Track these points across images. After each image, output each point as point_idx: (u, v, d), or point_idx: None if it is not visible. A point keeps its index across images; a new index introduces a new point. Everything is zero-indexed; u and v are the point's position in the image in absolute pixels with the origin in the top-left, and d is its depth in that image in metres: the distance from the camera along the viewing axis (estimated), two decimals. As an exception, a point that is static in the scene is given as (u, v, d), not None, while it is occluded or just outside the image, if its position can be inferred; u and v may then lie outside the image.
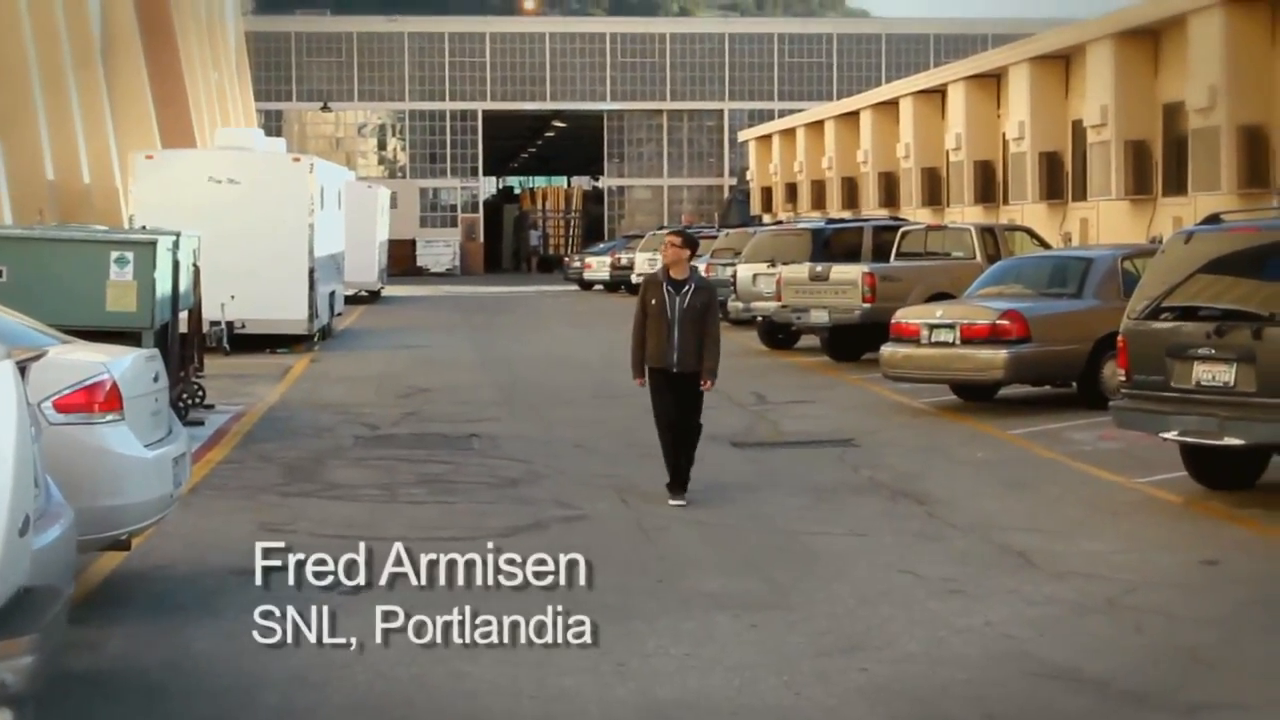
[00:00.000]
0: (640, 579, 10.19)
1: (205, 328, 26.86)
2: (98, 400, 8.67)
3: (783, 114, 65.67)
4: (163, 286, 15.80)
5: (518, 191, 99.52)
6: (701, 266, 39.07)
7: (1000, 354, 18.24)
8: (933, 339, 18.89)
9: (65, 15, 31.99)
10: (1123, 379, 13.11)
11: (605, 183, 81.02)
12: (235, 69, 59.18)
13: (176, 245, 16.89)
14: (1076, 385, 18.82)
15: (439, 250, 75.17)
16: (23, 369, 7.25)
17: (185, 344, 18.94)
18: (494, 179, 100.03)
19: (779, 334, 28.16)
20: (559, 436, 17.24)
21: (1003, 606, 9.45)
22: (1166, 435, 12.72)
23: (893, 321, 19.74)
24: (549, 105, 77.86)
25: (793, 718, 7.31)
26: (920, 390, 20.24)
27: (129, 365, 9.19)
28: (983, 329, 18.51)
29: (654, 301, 12.90)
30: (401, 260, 67.66)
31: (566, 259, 66.25)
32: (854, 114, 47.85)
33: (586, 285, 55.41)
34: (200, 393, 19.19)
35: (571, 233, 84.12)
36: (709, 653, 8.41)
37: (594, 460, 15.50)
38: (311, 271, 28.27)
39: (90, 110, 32.79)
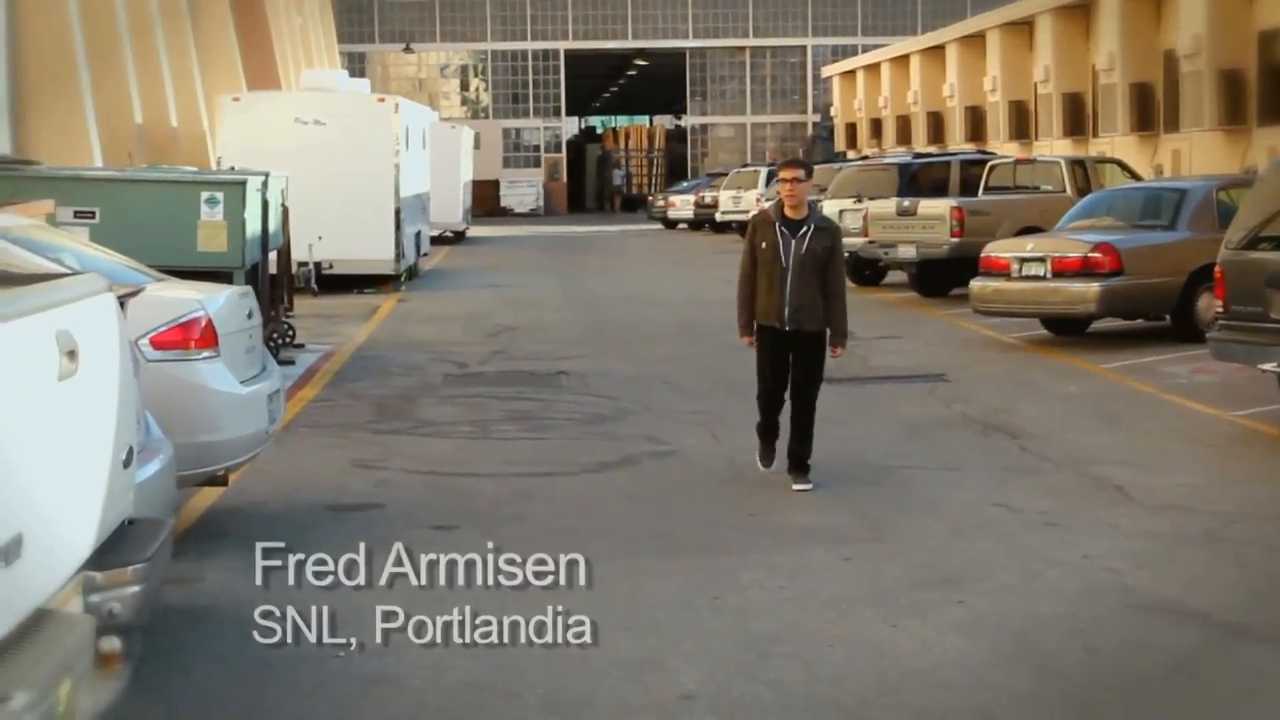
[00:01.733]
0: (731, 513, 10.17)
1: (294, 268, 27.18)
2: (194, 337, 8.72)
3: (866, 49, 64.97)
4: (252, 226, 15.87)
5: (600, 131, 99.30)
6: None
7: (1093, 287, 18.01)
8: (1023, 273, 18.69)
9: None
10: (1220, 310, 12.92)
11: (688, 121, 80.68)
12: (319, 12, 59.30)
13: (265, 185, 16.97)
14: (1170, 318, 18.57)
15: (523, 190, 75.15)
16: (121, 305, 7.30)
17: (275, 284, 19.03)
18: (576, 119, 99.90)
19: (865, 270, 27.91)
20: (647, 373, 17.21)
21: (1100, 539, 9.34)
22: (1265, 366, 12.53)
23: (983, 255, 19.54)
24: (631, 44, 77.52)
25: (891, 650, 7.26)
26: (1010, 325, 20.06)
27: (223, 302, 9.23)
28: (1074, 262, 18.28)
29: (765, 245, 10.70)
30: (486, 200, 67.74)
31: (650, 198, 66.10)
32: (939, 48, 47.30)
33: (670, 224, 55.28)
34: (291, 332, 19.33)
35: (655, 172, 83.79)
36: (803, 586, 8.37)
37: (682, 397, 15.46)
38: (398, 212, 28.34)
39: (177, 55, 32.95)
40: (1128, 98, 33.44)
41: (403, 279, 29.33)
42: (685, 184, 61.11)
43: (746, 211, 42.28)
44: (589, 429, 13.66)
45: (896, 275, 27.64)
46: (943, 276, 25.08)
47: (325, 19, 61.26)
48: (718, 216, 48.04)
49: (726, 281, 23.55)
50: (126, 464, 5.11)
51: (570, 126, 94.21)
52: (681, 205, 54.32)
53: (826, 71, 65.89)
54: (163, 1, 32.42)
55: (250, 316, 9.54)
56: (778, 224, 10.70)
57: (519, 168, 76.97)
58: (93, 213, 15.32)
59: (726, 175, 50.72)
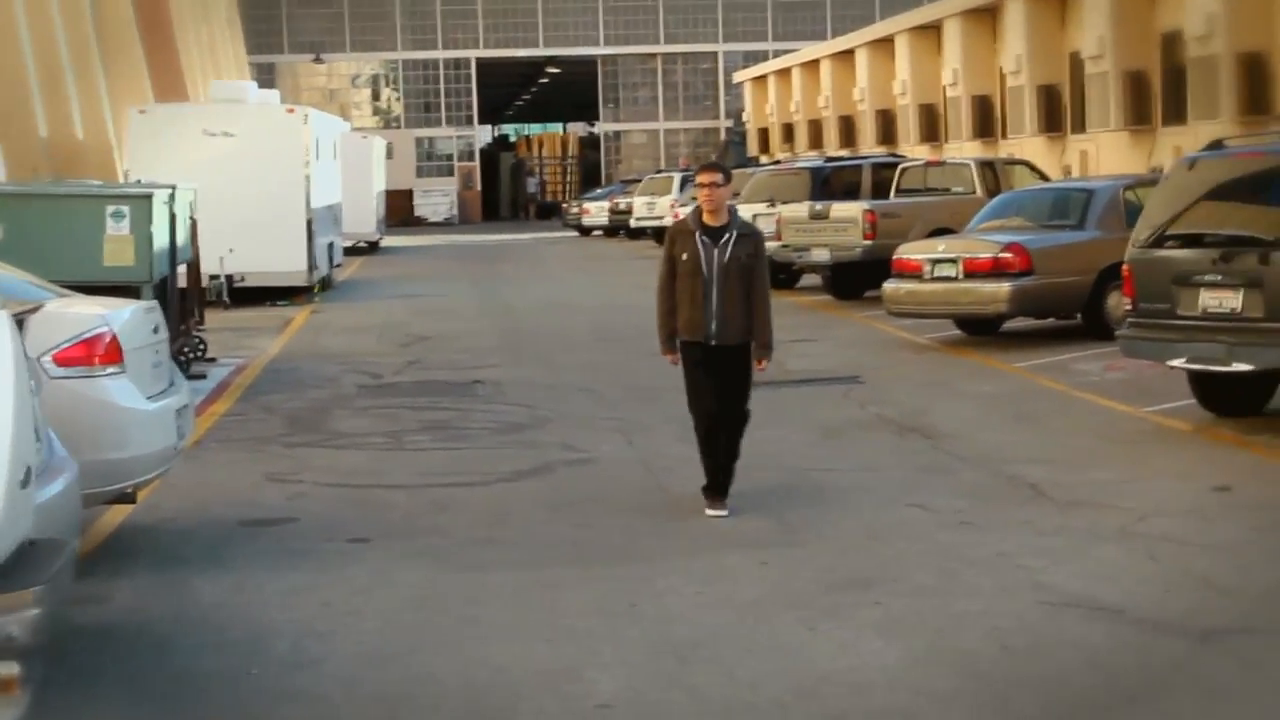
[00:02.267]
0: (647, 520, 10.13)
1: (204, 281, 26.88)
2: (98, 353, 8.58)
3: (777, 54, 65.17)
4: (160, 240, 15.67)
5: (514, 139, 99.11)
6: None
7: (1004, 287, 18.12)
8: (935, 274, 18.78)
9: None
10: (1129, 308, 13.01)
11: (601, 128, 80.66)
12: (226, 22, 58.81)
13: (173, 199, 16.77)
14: (1081, 317, 18.72)
15: (436, 200, 74.84)
16: (20, 322, 7.17)
17: (185, 297, 18.81)
18: (490, 127, 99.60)
19: (780, 274, 27.81)
20: (563, 381, 17.17)
21: (1014, 537, 9.38)
22: (1174, 363, 12.64)
23: (895, 257, 19.64)
24: (542, 51, 77.36)
25: (808, 653, 7.24)
26: (923, 326, 20.16)
27: (128, 317, 9.09)
28: (985, 263, 18.39)
29: (685, 256, 10.00)
30: (399, 210, 67.39)
31: (565, 205, 66.05)
32: (849, 53, 47.52)
33: (585, 231, 55.25)
34: (202, 346, 19.11)
35: (569, 179, 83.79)
36: (720, 591, 8.35)
37: (598, 403, 15.42)
38: (309, 223, 28.14)
39: (81, 65, 32.52)
40: (1035, 100, 33.73)
41: (316, 290, 29.12)
42: (599, 191, 61.16)
43: (661, 217, 42.37)
44: (505, 438, 13.59)
45: (811, 279, 27.73)
46: (856, 279, 25.20)
47: (234, 29, 60.78)
48: (632, 223, 48.07)
49: (640, 287, 23.61)
50: (24, 484, 4.99)
51: (484, 135, 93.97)
52: (596, 212, 54.37)
53: (738, 77, 66.09)
54: (65, 11, 31.99)
55: (156, 331, 9.40)
56: (697, 233, 10.00)
57: (433, 177, 76.64)
58: (-3, 228, 15.06)
59: (640, 181, 50.73)
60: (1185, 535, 9.36)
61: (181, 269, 18.28)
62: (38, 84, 28.83)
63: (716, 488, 10.15)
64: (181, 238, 17.50)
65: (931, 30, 40.73)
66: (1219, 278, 12.14)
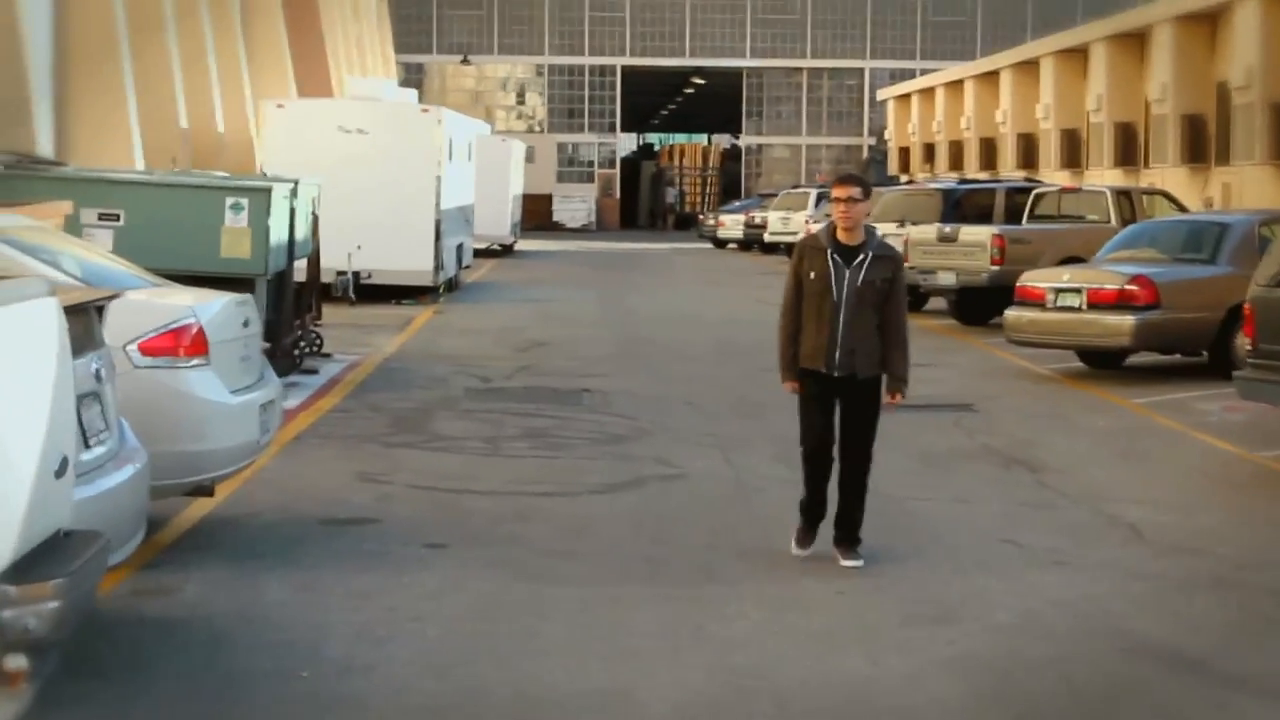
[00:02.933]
0: (730, 540, 9.97)
1: (331, 277, 27.10)
2: (183, 344, 8.61)
3: (924, 73, 64.67)
4: (277, 233, 15.74)
5: (658, 148, 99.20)
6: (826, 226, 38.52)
7: (1127, 320, 17.73)
8: (1058, 303, 18.42)
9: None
10: (1249, 348, 12.64)
11: (744, 141, 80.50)
12: (376, 20, 59.48)
13: (294, 192, 16.85)
14: (1207, 354, 18.26)
15: (575, 205, 75.23)
16: (99, 310, 7.20)
17: (304, 292, 18.92)
18: (634, 135, 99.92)
19: (911, 295, 27.64)
20: (672, 393, 17.05)
21: (1104, 580, 9.11)
22: (1292, 407, 12.26)
23: (1018, 284, 19.31)
24: (688, 62, 77.46)
25: (867, 689, 7.06)
26: (1045, 356, 19.77)
27: (218, 310, 9.12)
28: (1110, 294, 18.01)
29: (814, 274, 9.08)
30: (537, 215, 67.80)
31: (701, 216, 65.98)
32: (994, 74, 46.97)
33: (720, 243, 55.15)
34: (319, 341, 19.24)
35: (709, 190, 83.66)
36: (791, 619, 8.18)
37: (702, 418, 15.28)
38: (438, 223, 28.26)
39: (226, 60, 33.01)
40: (1179, 129, 33.06)
41: (441, 291, 29.25)
42: (736, 204, 61.06)
43: (795, 233, 42.07)
44: (602, 449, 13.50)
45: (937, 302, 27.36)
46: (982, 305, 24.77)
47: (383, 28, 61.45)
48: (766, 237, 47.92)
49: (764, 302, 23.42)
50: (59, 474, 4.97)
51: (628, 142, 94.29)
52: (731, 225, 54.24)
53: (882, 95, 65.62)
54: (212, 6, 32.49)
55: (246, 325, 9.42)
56: (829, 250, 9.06)
57: (573, 182, 77.02)
58: (117, 215, 15.25)
59: (776, 195, 50.54)
60: (1282, 587, 9.04)
61: (301, 263, 18.38)
62: (181, 76, 29.27)
63: (845, 538, 9.35)
64: (302, 232, 17.59)
65: (1078, 54, 40.11)
66: (1342, 321, 11.75)
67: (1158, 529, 10.51)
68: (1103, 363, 19.14)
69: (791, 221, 45.06)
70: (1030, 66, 43.46)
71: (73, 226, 14.65)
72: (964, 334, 24.19)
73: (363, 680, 6.92)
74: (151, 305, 8.80)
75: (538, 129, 76.65)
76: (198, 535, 9.65)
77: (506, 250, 47.58)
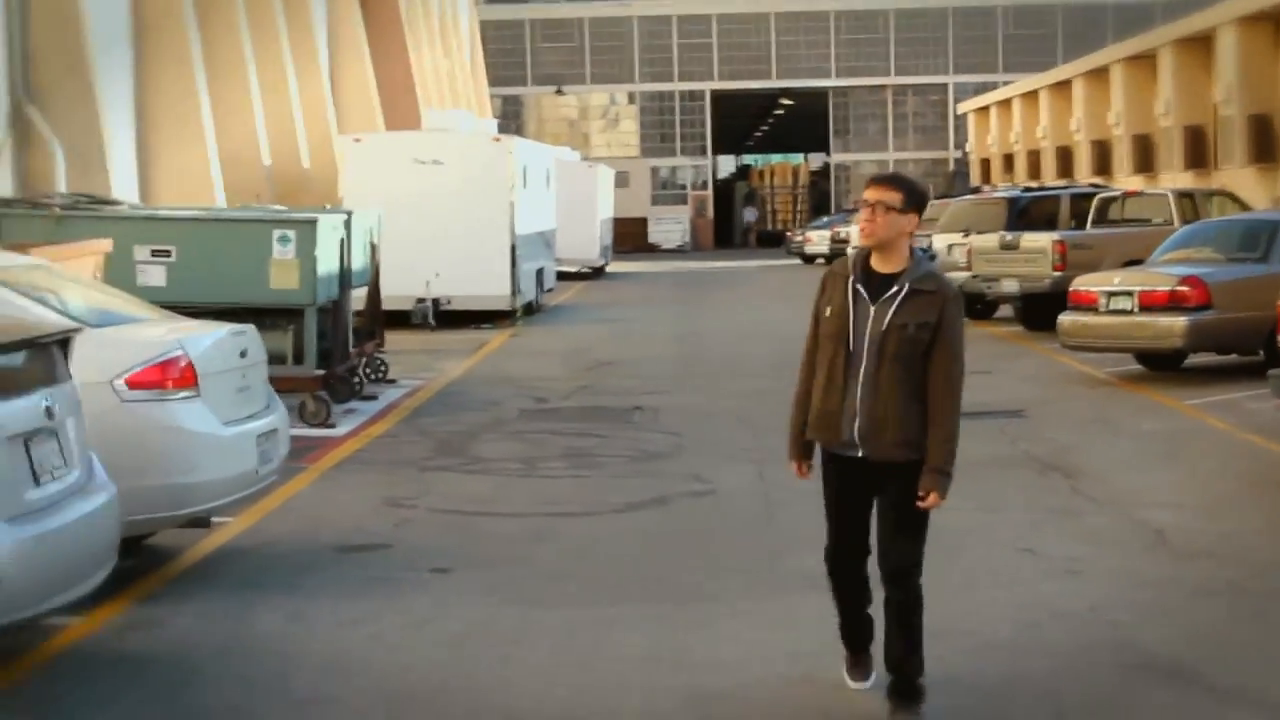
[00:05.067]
0: (739, 558, 9.55)
1: (411, 305, 26.98)
2: (171, 377, 8.32)
3: (1007, 84, 63.76)
4: (326, 264, 15.52)
5: (757, 169, 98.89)
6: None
7: (1179, 321, 17.09)
8: (1111, 306, 17.81)
9: (284, 6, 32.27)
10: (1283, 346, 12.02)
11: (833, 158, 79.87)
12: (469, 55, 59.56)
13: (347, 224, 16.64)
14: (1264, 354, 17.52)
15: (669, 227, 74.85)
16: (62, 346, 6.93)
17: (369, 319, 18.68)
18: (732, 157, 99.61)
19: (976, 304, 26.96)
20: (723, 409, 16.64)
21: (1116, 589, 8.59)
22: (1326, 406, 11.61)
23: (1071, 289, 18.71)
24: (775, 84, 77.00)
25: (842, 710, 6.62)
26: (1105, 360, 19.13)
27: (210, 343, 8.84)
28: (1161, 296, 17.38)
29: (829, 311, 6.41)
30: (633, 237, 67.56)
31: (789, 233, 65.45)
32: (1066, 83, 46.12)
33: (808, 259, 54.55)
34: (384, 368, 19.03)
35: (798, 208, 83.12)
36: (782, 638, 7.74)
37: (748, 433, 14.84)
38: (513, 249, 28.00)
39: (310, 97, 33.07)
40: (1246, 130, 32.10)
41: (519, 314, 28.99)
42: (824, 219, 60.48)
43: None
44: (637, 466, 13.11)
45: (1007, 309, 26.70)
46: (1047, 310, 24.04)
47: (475, 62, 61.52)
48: (849, 251, 47.33)
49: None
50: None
51: (727, 164, 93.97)
52: (818, 240, 53.68)
53: (961, 108, 64.77)
54: (295, 46, 32.55)
55: (244, 355, 9.12)
56: (852, 278, 6.36)
57: (667, 204, 76.71)
58: (169, 251, 15.11)
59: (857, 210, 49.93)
60: (1302, 594, 8.46)
61: (361, 292, 18.16)
62: (263, 115, 29.32)
63: (901, 694, 6.48)
64: (359, 262, 17.37)
65: (1146, 60, 39.20)
66: (1375, 317, 11.10)
67: (1184, 534, 9.96)
68: (1160, 365, 18.47)
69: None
70: (1101, 74, 42.60)
71: (121, 263, 14.54)
72: (1028, 340, 23.54)
73: (319, 713, 6.58)
74: (140, 339, 8.55)
75: (632, 154, 76.48)
76: (206, 565, 9.38)
77: (597, 273, 47.30)
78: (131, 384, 8.23)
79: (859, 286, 6.34)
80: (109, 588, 7.52)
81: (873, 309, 6.30)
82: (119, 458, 7.68)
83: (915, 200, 6.36)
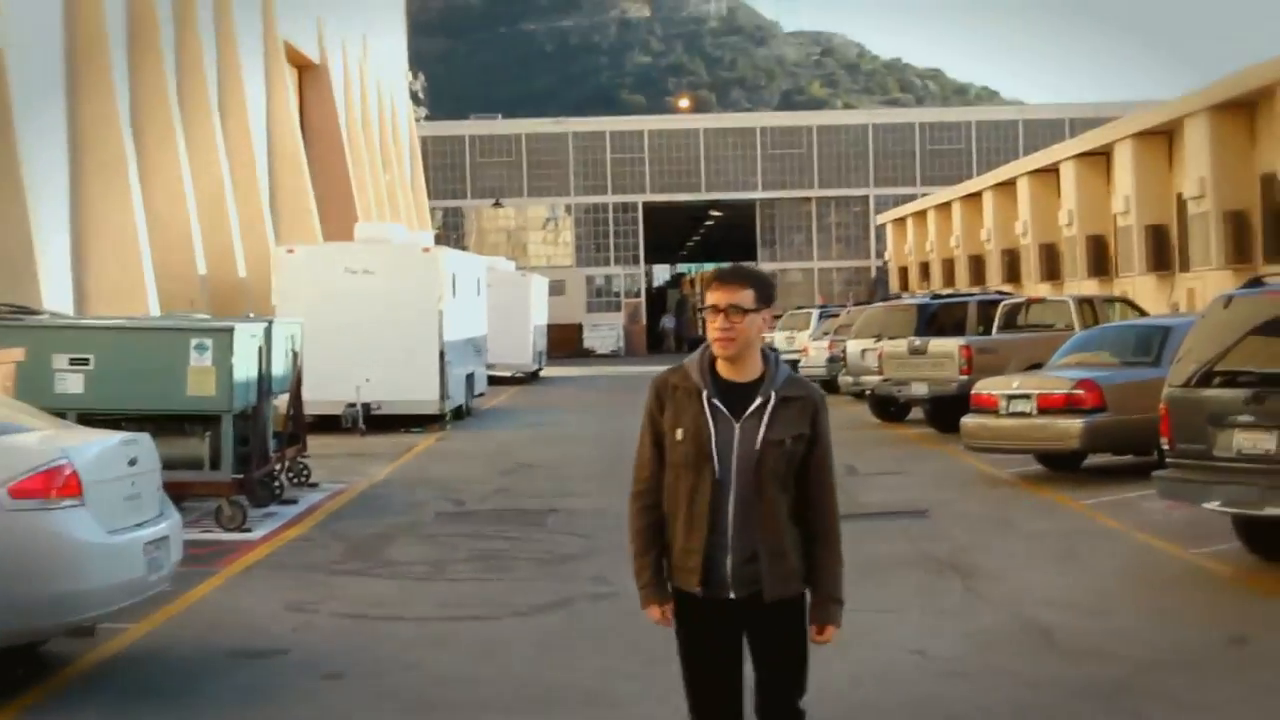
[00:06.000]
0: (636, 661, 9.22)
1: (341, 409, 26.61)
2: (55, 486, 7.99)
3: (924, 196, 64.37)
4: (243, 371, 15.19)
5: (689, 277, 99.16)
6: (824, 344, 37.88)
7: (1076, 424, 17.00)
8: (1011, 409, 17.70)
9: (221, 120, 32.09)
10: (1166, 447, 11.89)
11: (760, 266, 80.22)
12: (409, 170, 59.52)
13: (267, 332, 16.33)
14: (1158, 454, 17.41)
15: (604, 333, 74.81)
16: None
17: (290, 425, 18.32)
18: (667, 266, 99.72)
19: (890, 406, 26.93)
20: (636, 510, 16.30)
21: (1002, 690, 8.35)
22: (1208, 505, 11.48)
23: (973, 392, 18.61)
24: (705, 196, 77.41)
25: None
26: (1008, 460, 18.99)
27: (96, 451, 8.51)
28: (1058, 399, 17.28)
29: (680, 433, 5.33)
30: (567, 343, 67.42)
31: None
32: (977, 195, 46.51)
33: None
34: (306, 472, 18.64)
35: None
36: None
37: (656, 534, 14.52)
38: (442, 354, 27.71)
39: (248, 210, 32.79)
40: (1144, 239, 32.35)
41: (448, 418, 28.63)
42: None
43: (802, 350, 41.37)
44: (545, 569, 12.79)
45: (919, 411, 26.57)
46: (956, 412, 23.94)
47: (416, 175, 61.47)
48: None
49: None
50: None
51: (662, 273, 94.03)
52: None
53: (879, 219, 65.29)
54: (233, 161, 32.33)
55: (133, 464, 8.79)
56: (706, 393, 5.32)
57: (601, 311, 76.69)
58: (87, 359, 14.75)
59: (780, 316, 49.99)
60: (1181, 693, 8.24)
61: (284, 398, 17.81)
62: (199, 226, 29.02)
63: None
64: (280, 369, 17.03)
65: (1051, 173, 39.55)
66: (1252, 418, 10.99)
67: (1071, 634, 9.74)
68: (1060, 465, 18.37)
69: (796, 340, 44.41)
70: (1009, 187, 42.97)
71: (39, 371, 14.19)
72: (938, 442, 23.40)
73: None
74: (24, 448, 8.21)
75: (568, 262, 76.53)
76: (96, 674, 8.97)
77: (531, 377, 47.01)
78: (14, 493, 7.90)
79: (715, 401, 5.28)
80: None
81: (737, 426, 5.25)
82: (1, 565, 7.34)
83: (766, 294, 5.35)
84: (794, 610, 5.38)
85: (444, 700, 8.33)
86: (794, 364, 42.08)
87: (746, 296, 5.28)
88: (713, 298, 5.30)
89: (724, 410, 5.26)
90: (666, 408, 5.36)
